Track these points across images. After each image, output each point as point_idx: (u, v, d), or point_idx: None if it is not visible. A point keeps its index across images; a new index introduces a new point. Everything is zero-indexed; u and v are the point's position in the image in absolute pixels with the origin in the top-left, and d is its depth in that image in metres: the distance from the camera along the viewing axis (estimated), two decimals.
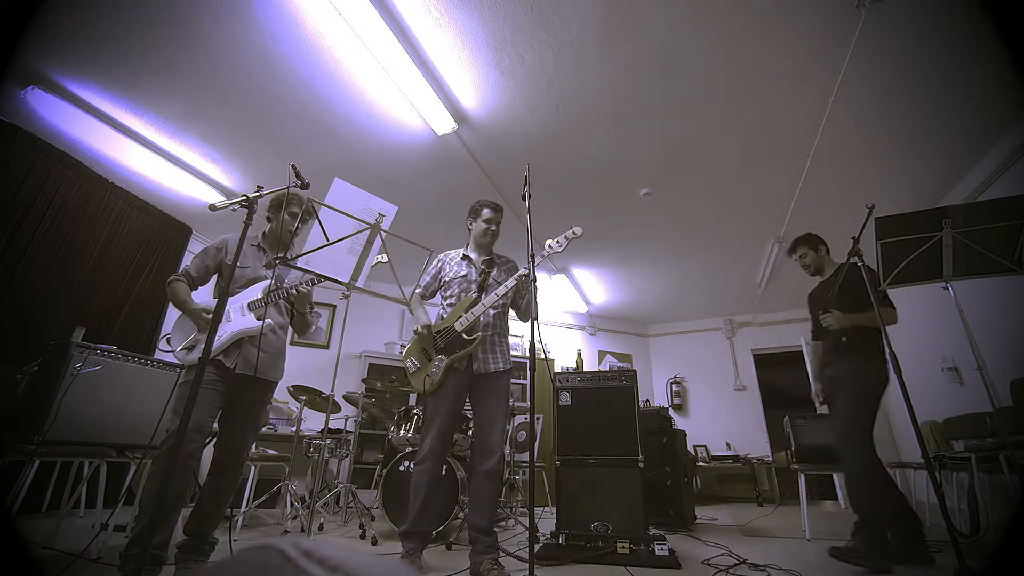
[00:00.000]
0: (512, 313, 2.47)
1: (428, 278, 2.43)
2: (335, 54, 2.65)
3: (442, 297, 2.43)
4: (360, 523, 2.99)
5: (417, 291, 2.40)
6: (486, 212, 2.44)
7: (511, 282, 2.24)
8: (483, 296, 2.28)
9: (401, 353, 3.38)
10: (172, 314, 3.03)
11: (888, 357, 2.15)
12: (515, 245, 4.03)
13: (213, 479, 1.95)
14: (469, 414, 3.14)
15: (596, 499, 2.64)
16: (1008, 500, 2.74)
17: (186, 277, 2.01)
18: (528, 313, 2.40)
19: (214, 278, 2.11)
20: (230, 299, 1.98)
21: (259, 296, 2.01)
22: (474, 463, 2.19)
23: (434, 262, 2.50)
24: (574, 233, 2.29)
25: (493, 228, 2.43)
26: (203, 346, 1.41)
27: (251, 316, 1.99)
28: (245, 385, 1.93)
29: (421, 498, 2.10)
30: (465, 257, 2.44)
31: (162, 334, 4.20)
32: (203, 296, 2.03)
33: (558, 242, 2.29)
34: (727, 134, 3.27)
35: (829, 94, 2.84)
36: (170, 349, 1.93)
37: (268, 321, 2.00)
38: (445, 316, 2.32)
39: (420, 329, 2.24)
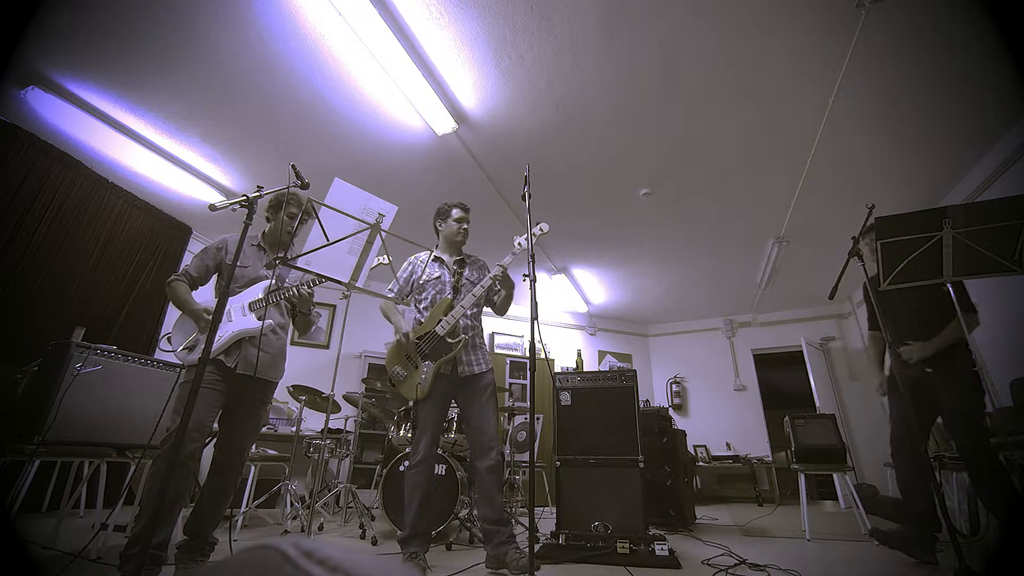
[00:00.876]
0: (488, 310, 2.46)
1: (400, 283, 2.40)
2: (335, 54, 2.65)
3: (416, 301, 2.41)
4: (360, 523, 2.99)
5: (390, 296, 2.37)
6: (456, 212, 2.45)
7: (486, 281, 2.25)
8: (459, 298, 2.28)
9: None
10: (172, 314, 3.03)
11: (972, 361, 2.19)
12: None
13: (213, 479, 1.95)
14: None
15: (596, 499, 2.64)
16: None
17: (186, 277, 2.00)
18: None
19: (214, 278, 2.11)
20: (231, 299, 1.98)
21: (260, 296, 2.01)
22: (473, 462, 2.20)
23: (404, 265, 2.50)
24: (541, 230, 2.27)
25: (465, 227, 2.45)
26: (203, 346, 1.41)
27: (252, 316, 1.99)
28: (245, 385, 1.93)
29: (418, 500, 2.11)
30: (437, 259, 2.44)
31: (162, 334, 4.21)
32: (204, 296, 2.03)
33: (527, 239, 2.24)
34: (727, 134, 3.27)
35: (829, 94, 2.84)
36: (170, 349, 1.93)
37: (269, 321, 2.00)
38: (423, 320, 2.31)
39: (401, 337, 2.24)
